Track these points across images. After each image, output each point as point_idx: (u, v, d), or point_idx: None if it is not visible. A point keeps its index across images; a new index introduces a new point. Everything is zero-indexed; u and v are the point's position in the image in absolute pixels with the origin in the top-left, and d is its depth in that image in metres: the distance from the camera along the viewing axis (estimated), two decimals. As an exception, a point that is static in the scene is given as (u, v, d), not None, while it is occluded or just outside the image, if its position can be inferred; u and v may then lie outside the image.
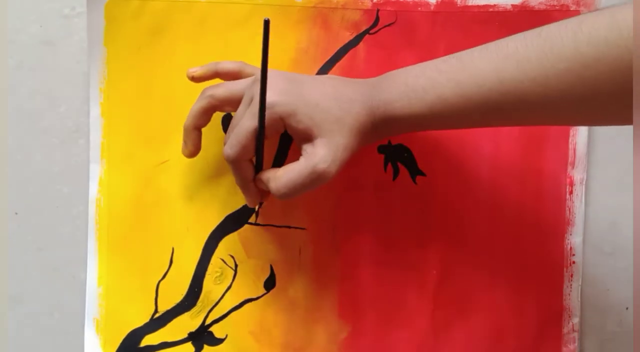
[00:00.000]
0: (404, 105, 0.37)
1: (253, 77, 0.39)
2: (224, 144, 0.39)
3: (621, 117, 0.33)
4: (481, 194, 0.46)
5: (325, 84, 0.39)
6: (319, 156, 0.37)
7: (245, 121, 0.37)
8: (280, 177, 0.38)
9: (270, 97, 0.36)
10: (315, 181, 0.37)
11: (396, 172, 0.46)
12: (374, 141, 0.40)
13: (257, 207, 0.45)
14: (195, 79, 0.42)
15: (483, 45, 0.36)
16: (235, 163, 0.39)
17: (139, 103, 0.45)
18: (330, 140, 0.37)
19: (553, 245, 0.47)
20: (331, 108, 0.37)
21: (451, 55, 0.38)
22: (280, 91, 0.37)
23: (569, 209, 0.46)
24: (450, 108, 0.36)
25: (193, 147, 0.42)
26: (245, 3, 0.45)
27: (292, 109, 0.37)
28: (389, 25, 0.45)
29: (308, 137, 0.37)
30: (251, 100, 0.38)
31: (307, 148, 0.38)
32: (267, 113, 0.37)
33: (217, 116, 0.45)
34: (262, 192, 0.41)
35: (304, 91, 0.38)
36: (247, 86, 0.39)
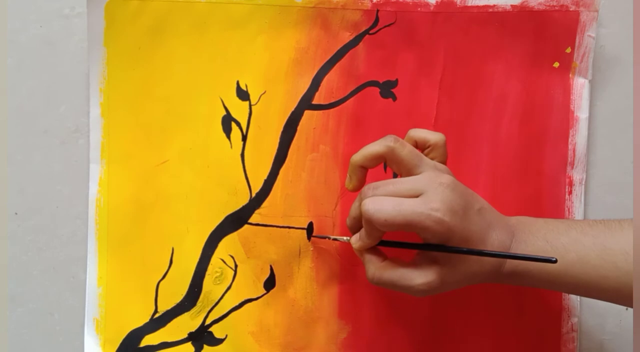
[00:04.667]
0: (539, 264, 0.37)
1: (436, 170, 0.38)
2: (368, 189, 0.38)
3: None
4: (481, 194, 0.46)
5: (484, 220, 0.37)
6: (427, 281, 0.36)
7: (407, 209, 0.35)
8: (383, 270, 0.38)
9: (442, 212, 0.35)
10: (404, 291, 0.37)
11: (396, 173, 0.46)
12: (491, 282, 0.39)
13: (333, 238, 0.44)
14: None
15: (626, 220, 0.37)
16: (368, 222, 0.37)
17: (139, 103, 0.45)
18: (448, 274, 0.37)
19: (553, 245, 0.47)
20: (466, 242, 0.36)
21: (597, 220, 0.38)
22: (452, 212, 0.35)
23: (569, 209, 0.46)
24: (591, 271, 0.36)
25: (358, 183, 0.40)
26: (245, 3, 0.45)
27: (450, 235, 0.36)
28: (388, 25, 0.45)
29: (432, 258, 0.37)
30: (419, 194, 0.36)
31: (423, 263, 0.37)
32: (431, 223, 0.35)
33: (217, 116, 0.45)
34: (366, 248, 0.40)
35: (467, 221, 0.36)
36: (428, 172, 0.38)
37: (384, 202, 0.36)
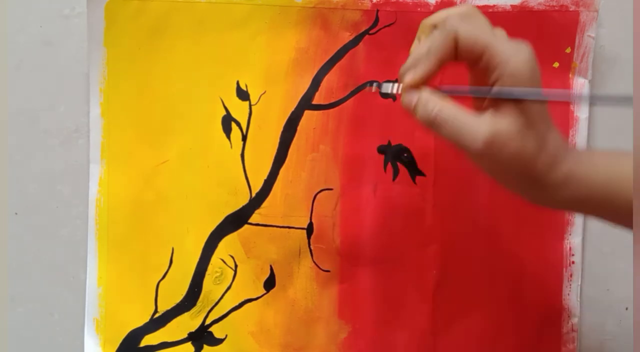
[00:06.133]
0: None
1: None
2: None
3: None
4: (480, 194, 0.46)
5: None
6: (503, 126, 0.31)
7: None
8: (451, 117, 0.33)
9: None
10: (466, 148, 0.32)
11: (396, 172, 0.46)
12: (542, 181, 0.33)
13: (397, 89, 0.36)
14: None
15: None
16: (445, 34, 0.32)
17: (139, 103, 0.45)
18: (529, 120, 0.32)
19: (553, 245, 0.47)
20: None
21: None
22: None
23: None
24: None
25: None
26: (245, 3, 0.45)
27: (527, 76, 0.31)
28: (388, 25, 0.45)
29: (512, 107, 0.32)
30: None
31: (495, 110, 0.32)
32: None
33: (217, 116, 0.45)
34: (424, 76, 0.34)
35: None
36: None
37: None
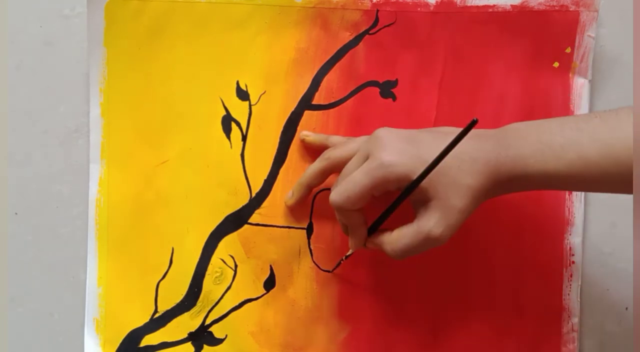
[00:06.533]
0: (538, 162, 0.36)
1: (369, 136, 0.39)
2: (332, 187, 0.39)
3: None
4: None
5: (444, 141, 0.35)
6: (432, 221, 0.36)
7: (359, 175, 0.37)
8: (395, 242, 0.38)
9: (387, 156, 0.36)
10: (428, 245, 0.37)
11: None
12: (493, 197, 0.38)
13: (345, 257, 0.44)
14: (306, 142, 0.45)
15: (622, 108, 0.36)
16: (339, 210, 0.39)
17: (139, 103, 0.45)
18: (446, 203, 0.36)
19: (553, 245, 0.47)
20: (450, 169, 0.36)
21: (591, 114, 0.37)
22: (399, 151, 0.36)
23: (569, 209, 0.46)
24: (593, 168, 0.35)
25: (298, 201, 0.44)
26: (245, 3, 0.45)
27: (410, 169, 0.36)
28: (388, 25, 0.45)
29: (423, 198, 0.37)
30: (367, 156, 0.37)
31: (421, 211, 0.37)
32: (383, 172, 0.36)
33: (217, 116, 0.45)
34: (364, 238, 0.41)
35: (422, 151, 0.36)
36: (362, 142, 0.39)
37: (340, 185, 0.38)
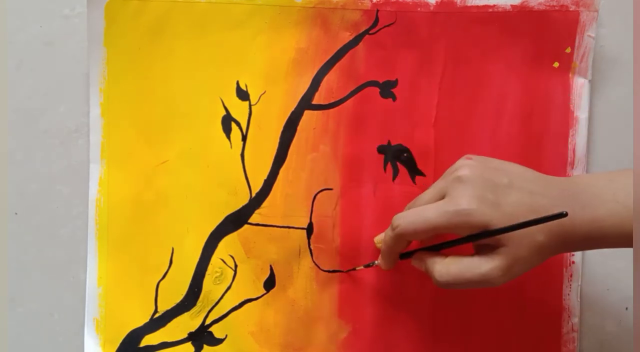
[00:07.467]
0: (616, 224, 0.35)
1: (452, 170, 0.38)
2: (398, 214, 0.38)
3: None
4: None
5: (522, 190, 0.36)
6: (495, 264, 0.35)
7: (432, 214, 0.36)
8: (448, 265, 0.37)
9: (465, 203, 0.35)
10: (480, 284, 0.36)
11: (396, 172, 0.46)
12: (562, 252, 0.38)
13: (364, 266, 0.45)
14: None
15: None
16: (397, 236, 0.38)
17: (139, 103, 0.45)
18: (515, 253, 0.35)
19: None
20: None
21: None
22: (478, 198, 0.35)
23: (569, 209, 0.46)
24: None
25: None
26: (245, 3, 0.45)
27: (487, 220, 0.35)
28: (388, 25, 0.45)
29: (492, 243, 0.36)
30: (444, 193, 0.37)
31: (485, 250, 0.36)
32: (459, 219, 0.35)
33: (217, 116, 0.45)
34: (395, 264, 0.42)
35: (501, 200, 0.36)
36: (443, 176, 0.39)
37: (409, 213, 0.37)
